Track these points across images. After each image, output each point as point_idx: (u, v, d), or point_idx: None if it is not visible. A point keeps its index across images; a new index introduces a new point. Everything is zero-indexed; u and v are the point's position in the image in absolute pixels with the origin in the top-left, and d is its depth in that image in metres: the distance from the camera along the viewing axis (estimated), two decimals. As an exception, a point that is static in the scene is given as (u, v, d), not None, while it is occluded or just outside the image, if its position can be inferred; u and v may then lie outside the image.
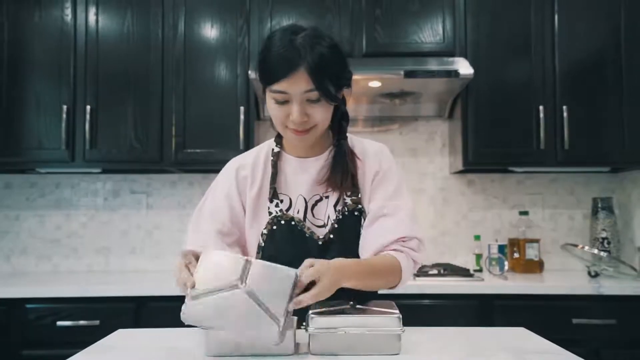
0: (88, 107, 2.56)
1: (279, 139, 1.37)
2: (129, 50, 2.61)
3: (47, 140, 2.56)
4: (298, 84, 1.16)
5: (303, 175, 1.32)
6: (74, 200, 2.89)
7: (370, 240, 1.26)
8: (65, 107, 2.56)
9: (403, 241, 1.24)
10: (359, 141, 1.37)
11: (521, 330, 1.35)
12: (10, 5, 2.59)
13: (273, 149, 1.36)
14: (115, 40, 2.61)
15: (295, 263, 1.19)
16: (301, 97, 1.17)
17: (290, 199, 1.31)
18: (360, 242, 1.28)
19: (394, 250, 1.23)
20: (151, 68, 2.61)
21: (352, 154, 1.33)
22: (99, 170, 2.72)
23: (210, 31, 2.64)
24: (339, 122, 1.32)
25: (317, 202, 1.30)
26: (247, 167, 1.35)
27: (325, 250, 1.26)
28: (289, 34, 1.18)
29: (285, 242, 1.27)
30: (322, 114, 1.21)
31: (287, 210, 1.30)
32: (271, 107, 1.23)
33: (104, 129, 2.58)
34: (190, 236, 1.33)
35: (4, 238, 2.86)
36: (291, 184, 1.32)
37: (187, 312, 1.03)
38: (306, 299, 1.04)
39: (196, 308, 1.02)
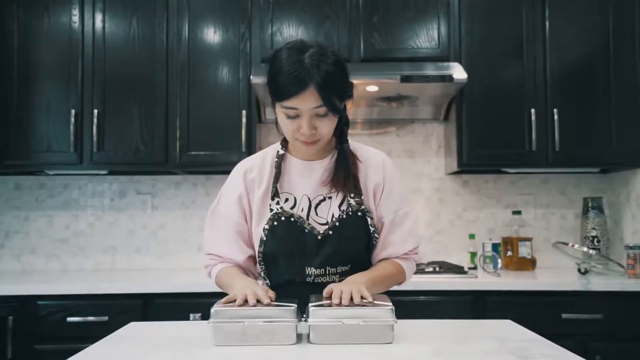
0: (95, 111, 2.65)
1: (284, 143, 1.48)
2: (135, 55, 2.70)
3: (56, 143, 2.66)
4: (308, 101, 1.26)
5: (308, 177, 1.42)
6: (82, 201, 2.99)
7: (389, 249, 1.45)
8: (73, 111, 2.65)
9: (410, 251, 1.46)
10: (361, 147, 1.49)
11: (507, 322, 1.44)
12: (20, 13, 2.68)
13: (278, 152, 1.47)
14: (121, 46, 2.70)
15: (294, 255, 1.34)
16: (310, 112, 1.28)
17: (295, 198, 1.41)
18: (380, 245, 1.43)
19: (406, 257, 1.46)
20: (156, 73, 2.70)
21: (354, 156, 1.43)
22: (105, 171, 2.81)
23: (213, 37, 2.73)
24: (341, 128, 1.43)
25: (320, 202, 1.41)
26: (254, 169, 1.45)
27: (322, 244, 1.37)
28: (297, 53, 1.28)
29: (285, 237, 1.37)
30: (328, 127, 1.33)
31: (292, 208, 1.40)
32: (282, 121, 1.34)
33: (110, 132, 2.67)
34: (208, 235, 1.48)
35: (15, 238, 2.96)
36: (296, 184, 1.43)
37: (216, 313, 1.18)
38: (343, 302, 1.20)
39: (227, 312, 1.19)
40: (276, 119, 1.40)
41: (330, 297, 1.22)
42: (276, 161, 1.44)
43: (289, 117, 1.30)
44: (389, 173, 1.45)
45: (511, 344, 1.21)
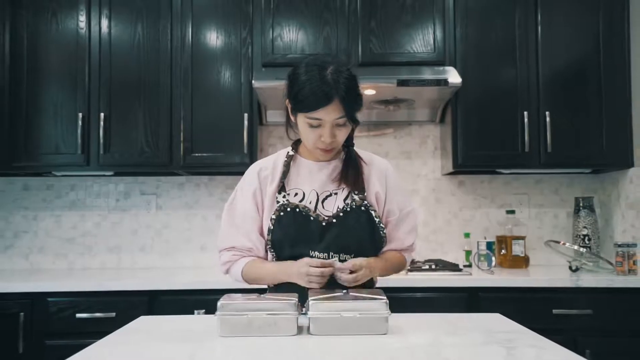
0: (102, 114, 2.74)
1: (295, 145, 1.64)
2: (140, 60, 2.78)
3: (64, 145, 2.74)
4: (332, 113, 1.43)
5: (318, 174, 1.58)
6: (88, 201, 3.07)
7: (393, 243, 1.64)
8: (80, 114, 2.73)
9: (410, 245, 1.67)
10: (363, 152, 1.66)
11: (496, 316, 1.53)
12: (29, 20, 2.76)
13: (288, 152, 1.62)
14: (126, 51, 2.78)
15: (299, 241, 1.48)
16: (332, 122, 1.44)
17: (303, 192, 1.56)
18: (387, 238, 1.60)
19: (404, 250, 1.67)
20: (160, 77, 2.78)
21: (359, 158, 1.61)
22: (111, 173, 2.89)
23: (215, 42, 2.81)
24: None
25: (327, 196, 1.56)
26: (268, 168, 1.60)
27: (326, 230, 1.50)
28: (318, 70, 1.43)
29: (291, 225, 1.50)
30: (345, 135, 1.51)
31: (301, 201, 1.53)
32: (305, 130, 1.49)
33: (116, 134, 2.76)
34: (225, 229, 1.61)
35: (23, 237, 3.04)
36: (306, 180, 1.57)
37: (222, 306, 1.27)
38: (348, 279, 1.42)
39: (233, 305, 1.28)
40: (286, 125, 1.56)
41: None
42: (285, 161, 1.59)
43: (311, 126, 1.46)
44: (391, 179, 1.63)
45: (499, 335, 1.29)
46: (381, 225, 1.55)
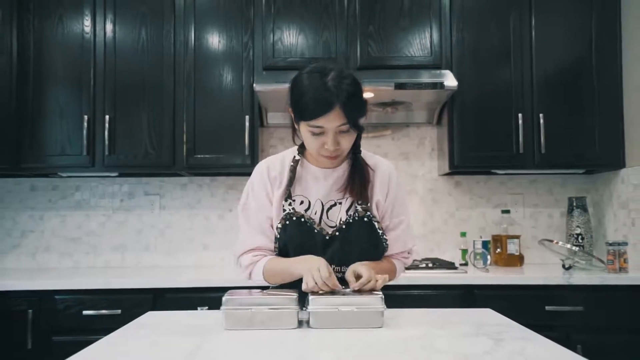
0: (107, 117, 2.80)
1: (302, 149, 1.60)
2: (144, 63, 2.85)
3: (69, 147, 2.81)
4: (333, 120, 1.39)
5: (324, 183, 1.56)
6: (93, 201, 3.14)
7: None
8: (86, 116, 2.80)
9: (402, 251, 1.65)
10: (370, 156, 1.64)
11: (487, 311, 1.60)
12: (35, 23, 2.83)
13: (295, 157, 1.59)
14: (131, 54, 2.85)
15: (303, 253, 1.47)
16: (335, 129, 1.41)
17: (309, 201, 1.56)
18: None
19: (396, 258, 1.64)
20: (164, 80, 2.84)
21: (366, 165, 1.58)
22: (116, 174, 2.96)
23: (218, 45, 2.87)
24: (355, 140, 1.56)
25: (331, 206, 1.55)
26: (276, 168, 1.58)
27: (329, 244, 1.51)
28: (319, 77, 1.40)
29: (295, 236, 1.51)
30: (349, 141, 1.47)
31: (306, 210, 1.54)
32: (307, 138, 1.46)
33: (121, 136, 2.82)
34: (244, 231, 1.59)
35: (29, 237, 3.11)
36: (312, 189, 1.57)
37: (227, 301, 1.34)
38: (356, 285, 1.38)
39: (237, 300, 1.36)
40: (292, 131, 1.54)
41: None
42: (292, 165, 1.58)
43: (314, 134, 1.43)
44: (393, 185, 1.61)
45: (488, 328, 1.36)
46: (384, 237, 1.55)
